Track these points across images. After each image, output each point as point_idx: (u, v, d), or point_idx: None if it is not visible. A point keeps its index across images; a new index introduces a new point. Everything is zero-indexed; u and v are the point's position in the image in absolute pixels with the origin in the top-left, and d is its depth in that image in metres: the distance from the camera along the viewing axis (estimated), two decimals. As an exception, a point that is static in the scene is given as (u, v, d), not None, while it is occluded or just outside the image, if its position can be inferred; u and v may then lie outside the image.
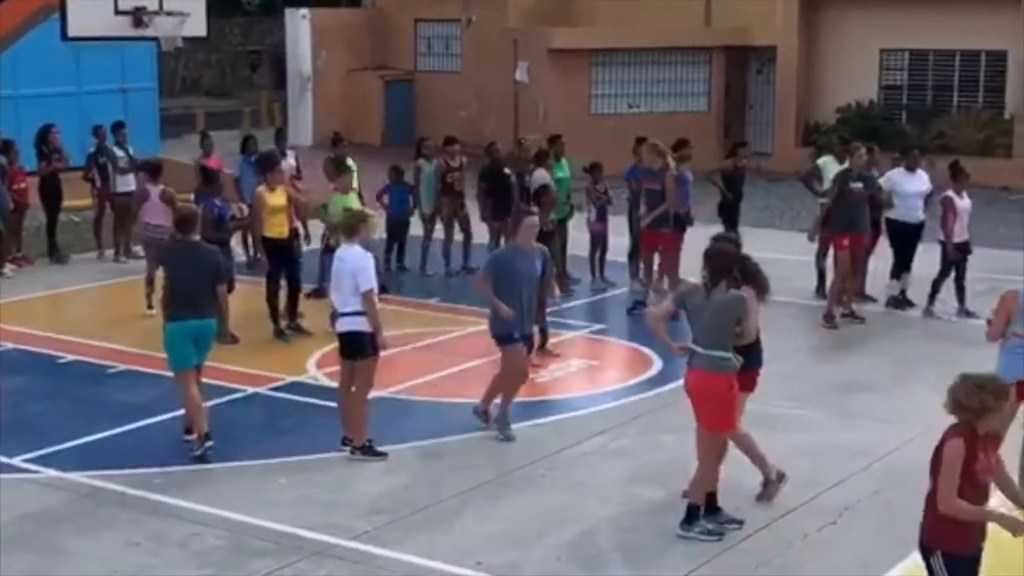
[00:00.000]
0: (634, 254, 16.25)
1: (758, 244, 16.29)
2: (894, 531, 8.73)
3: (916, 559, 8.20)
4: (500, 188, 17.03)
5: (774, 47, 28.16)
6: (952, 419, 6.25)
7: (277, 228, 13.81)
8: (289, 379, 12.38)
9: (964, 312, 14.85)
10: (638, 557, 8.39)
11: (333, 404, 10.63)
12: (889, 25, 27.09)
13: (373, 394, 11.02)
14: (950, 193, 14.66)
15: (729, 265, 8.63)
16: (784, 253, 17.47)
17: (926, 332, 14.40)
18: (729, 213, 16.61)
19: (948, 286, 15.01)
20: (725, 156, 17.54)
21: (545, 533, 8.75)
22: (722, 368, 8.56)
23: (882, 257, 15.66)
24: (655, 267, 15.57)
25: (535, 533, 8.75)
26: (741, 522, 8.75)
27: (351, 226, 10.34)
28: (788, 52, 27.92)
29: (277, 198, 13.77)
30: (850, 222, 14.72)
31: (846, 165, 15.17)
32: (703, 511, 8.68)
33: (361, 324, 10.05)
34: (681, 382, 12.17)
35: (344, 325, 10.16)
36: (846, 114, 27.12)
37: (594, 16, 30.25)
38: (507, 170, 17.19)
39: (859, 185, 14.74)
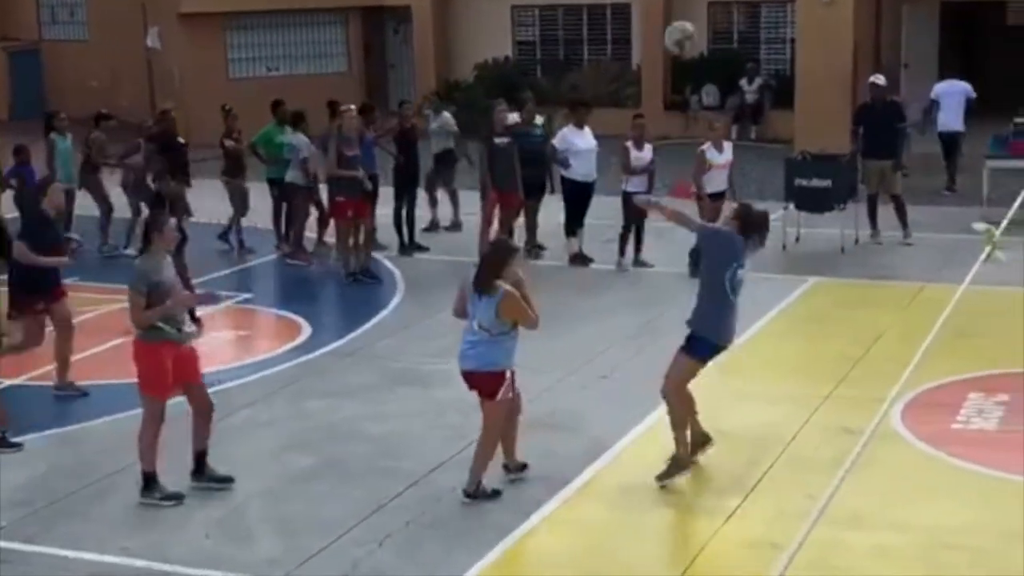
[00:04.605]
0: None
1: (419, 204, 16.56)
2: (542, 474, 9.01)
3: (556, 503, 8.58)
4: (175, 157, 16.56)
5: (408, 7, 28.33)
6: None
7: None
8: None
9: (640, 262, 15.25)
10: (288, 527, 8.32)
11: (-39, 397, 10.07)
12: (520, -18, 27.74)
13: (7, 382, 10.51)
14: (627, 144, 15.07)
15: None
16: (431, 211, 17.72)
17: (577, 283, 14.70)
18: (404, 174, 16.29)
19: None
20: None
21: (193, 512, 8.56)
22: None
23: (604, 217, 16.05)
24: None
25: (182, 512, 8.55)
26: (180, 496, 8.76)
27: None
28: (422, 12, 28.11)
29: None
30: (498, 178, 14.95)
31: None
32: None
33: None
34: (329, 348, 12.41)
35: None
36: (483, 71, 27.61)
37: (226, -22, 29.60)
38: (181, 139, 16.76)
39: (504, 140, 14.98)
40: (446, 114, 17.43)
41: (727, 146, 14.73)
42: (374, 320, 13.43)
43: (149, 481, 8.73)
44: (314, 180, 16.23)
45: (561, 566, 7.86)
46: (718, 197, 14.50)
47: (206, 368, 10.86)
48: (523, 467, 9.03)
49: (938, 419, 9.95)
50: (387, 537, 8.10)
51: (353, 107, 15.57)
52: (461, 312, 8.81)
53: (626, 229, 15.13)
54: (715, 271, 8.82)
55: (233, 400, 10.67)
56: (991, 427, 9.84)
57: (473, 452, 8.76)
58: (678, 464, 8.89)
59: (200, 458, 8.94)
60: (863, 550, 7.89)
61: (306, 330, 13.03)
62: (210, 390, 10.52)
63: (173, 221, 9.28)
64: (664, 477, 8.84)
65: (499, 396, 8.62)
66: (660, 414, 10.20)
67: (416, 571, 7.71)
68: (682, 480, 8.86)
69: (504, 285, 8.50)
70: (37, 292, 10.71)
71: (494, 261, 8.65)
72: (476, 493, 8.63)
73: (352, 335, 12.84)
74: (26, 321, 10.77)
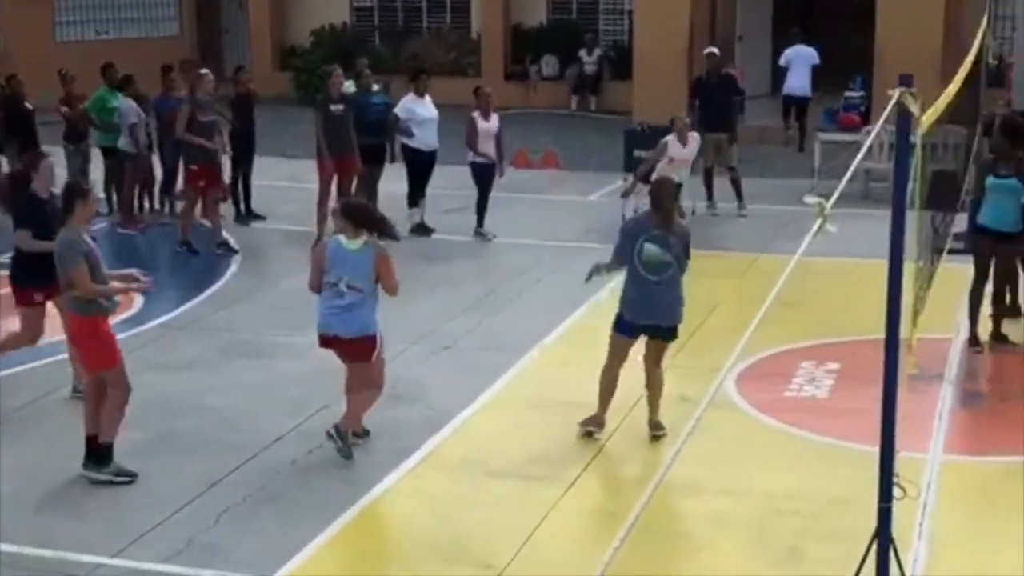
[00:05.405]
0: (168, 187, 16.15)
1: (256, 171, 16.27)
2: (384, 446, 8.96)
3: (398, 475, 8.54)
4: (23, 123, 15.95)
5: (237, -31, 27.86)
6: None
7: None
8: None
9: (480, 234, 15.21)
10: (121, 503, 8.12)
11: None
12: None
13: None
14: (474, 114, 14.97)
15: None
16: (272, 179, 17.47)
17: (419, 253, 14.54)
18: (241, 142, 15.98)
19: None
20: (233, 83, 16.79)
21: (22, 488, 8.27)
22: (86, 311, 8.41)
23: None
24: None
25: (11, 489, 8.25)
26: (133, 475, 8.49)
27: None
28: (258, -25, 27.68)
29: None
30: (334, 145, 14.81)
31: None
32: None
33: None
34: (162, 319, 12.12)
35: None
36: (320, 37, 27.24)
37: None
38: (29, 104, 16.13)
39: (340, 107, 14.87)
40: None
41: (692, 141, 14.63)
42: (209, 291, 13.16)
43: (106, 456, 8.42)
44: (147, 148, 15.87)
45: (402, 538, 7.82)
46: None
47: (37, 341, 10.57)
48: (366, 433, 9.12)
49: (772, 387, 10.16)
50: (224, 512, 7.96)
51: (207, 71, 15.32)
52: (318, 286, 8.79)
53: (481, 196, 15.15)
54: (628, 255, 8.96)
55: (60, 374, 10.32)
56: (822, 395, 10.09)
57: (350, 401, 8.89)
58: (594, 420, 9.20)
59: (94, 443, 8.52)
60: (699, 516, 8.03)
61: (137, 301, 12.67)
62: (35, 365, 10.27)
63: None
64: (584, 423, 9.18)
65: (374, 358, 8.75)
66: (502, 385, 10.27)
67: (254, 546, 7.58)
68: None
69: (375, 241, 8.67)
70: (35, 282, 9.71)
71: (364, 209, 8.93)
72: (346, 435, 8.71)
73: (186, 306, 12.56)
74: (25, 311, 10.00)
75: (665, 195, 9.02)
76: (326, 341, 8.86)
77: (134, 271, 8.90)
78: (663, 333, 9.11)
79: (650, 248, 8.83)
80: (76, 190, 8.61)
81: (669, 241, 8.88)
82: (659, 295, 8.94)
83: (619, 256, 9.04)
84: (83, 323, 8.41)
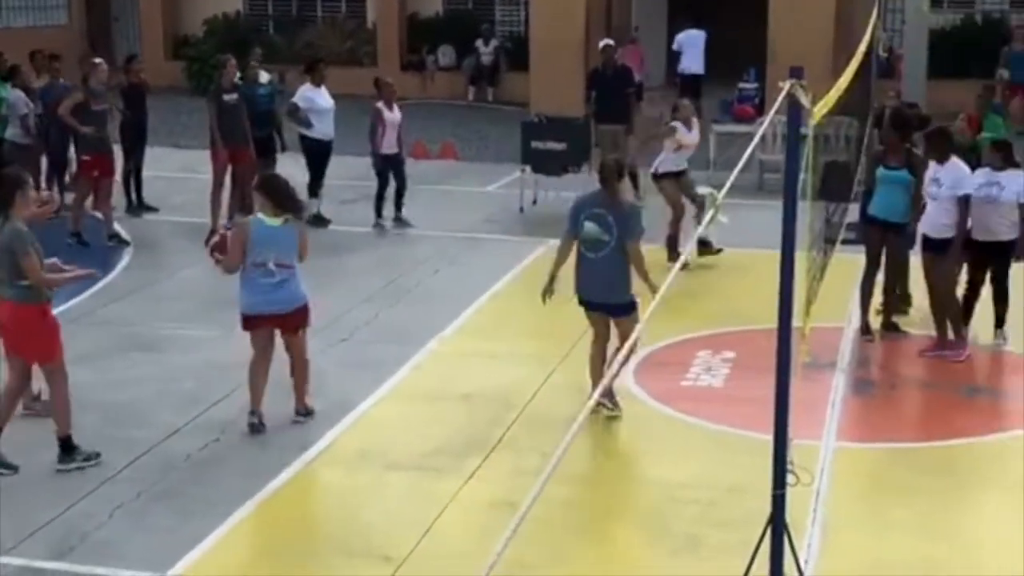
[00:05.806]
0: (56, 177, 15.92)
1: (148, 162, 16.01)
2: (281, 439, 8.89)
3: (296, 469, 8.47)
4: None
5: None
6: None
7: None
8: None
9: (399, 220, 15.15)
10: (11, 500, 7.93)
11: None
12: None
13: None
14: (379, 105, 14.88)
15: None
16: (164, 170, 17.21)
17: (316, 244, 14.39)
18: (132, 132, 15.75)
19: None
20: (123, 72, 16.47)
21: (-94, 488, 8.09)
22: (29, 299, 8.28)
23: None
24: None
25: None
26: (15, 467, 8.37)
27: None
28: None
29: None
30: (227, 135, 14.66)
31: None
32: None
33: None
34: (53, 312, 11.83)
35: None
36: (213, 25, 26.89)
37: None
38: None
39: (233, 97, 14.72)
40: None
41: (695, 127, 14.22)
42: (101, 283, 12.88)
43: (69, 446, 8.37)
44: (39, 138, 15.56)
45: (300, 531, 7.75)
46: (680, 175, 13.75)
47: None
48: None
49: (669, 377, 10.25)
50: (118, 508, 7.83)
51: (101, 60, 15.12)
52: (237, 267, 8.91)
53: (382, 188, 15.05)
54: (575, 232, 9.14)
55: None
56: (719, 384, 10.19)
57: (295, 382, 9.24)
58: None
59: None
60: (597, 506, 8.07)
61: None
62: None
63: None
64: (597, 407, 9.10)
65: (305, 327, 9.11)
66: (401, 377, 10.23)
67: (148, 542, 7.46)
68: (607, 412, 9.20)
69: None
70: None
71: (284, 186, 9.07)
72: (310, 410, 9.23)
73: (77, 300, 12.26)
74: None
75: (610, 174, 9.18)
76: (255, 320, 8.94)
77: (55, 260, 8.71)
78: (610, 310, 9.22)
79: (588, 226, 9.05)
80: (16, 180, 8.39)
81: (608, 220, 9.03)
82: (597, 271, 9.09)
83: (569, 233, 9.21)
84: (30, 312, 8.27)
